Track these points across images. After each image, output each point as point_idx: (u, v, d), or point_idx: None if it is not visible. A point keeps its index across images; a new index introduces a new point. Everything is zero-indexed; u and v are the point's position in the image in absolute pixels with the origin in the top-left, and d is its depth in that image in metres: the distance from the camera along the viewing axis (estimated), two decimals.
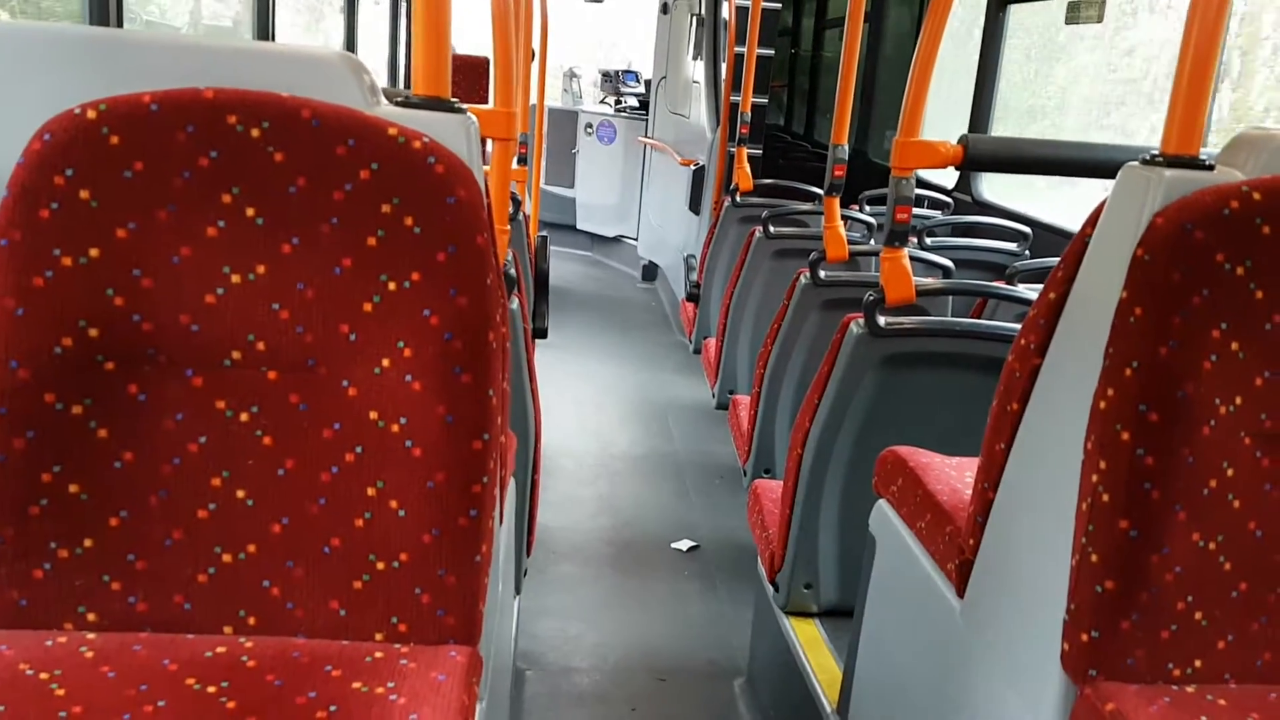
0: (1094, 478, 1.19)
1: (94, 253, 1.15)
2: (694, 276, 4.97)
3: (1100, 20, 3.70)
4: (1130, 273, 1.18)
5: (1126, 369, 1.16)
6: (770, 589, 2.47)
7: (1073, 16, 3.90)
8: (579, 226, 8.55)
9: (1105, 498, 1.18)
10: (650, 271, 7.66)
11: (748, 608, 2.77)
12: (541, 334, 3.81)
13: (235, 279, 1.17)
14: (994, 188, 4.36)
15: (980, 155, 2.08)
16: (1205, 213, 1.16)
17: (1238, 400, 1.18)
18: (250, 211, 1.16)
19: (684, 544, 3.49)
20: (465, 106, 1.33)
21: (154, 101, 1.15)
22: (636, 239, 8.04)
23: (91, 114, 1.14)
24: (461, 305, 1.17)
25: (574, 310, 6.70)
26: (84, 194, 1.14)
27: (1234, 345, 1.17)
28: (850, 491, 2.31)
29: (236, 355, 1.18)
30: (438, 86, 1.28)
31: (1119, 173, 1.28)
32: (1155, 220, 1.18)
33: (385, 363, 1.18)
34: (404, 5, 6.64)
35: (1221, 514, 1.19)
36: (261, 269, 1.17)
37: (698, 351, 4.77)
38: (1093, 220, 1.32)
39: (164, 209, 1.15)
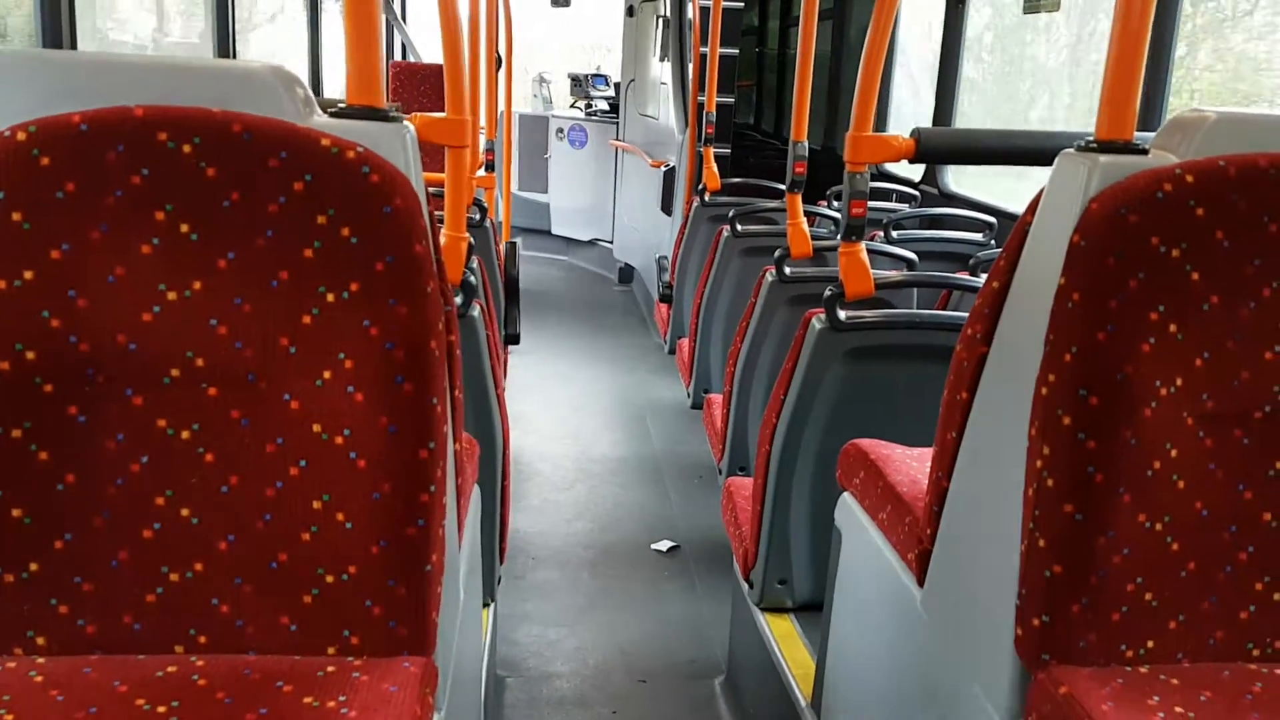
0: (1038, 463, 1.19)
1: (28, 275, 1.14)
2: (666, 277, 4.98)
3: (1057, 9, 3.72)
4: (1068, 258, 1.19)
5: (1066, 354, 1.17)
6: (745, 586, 2.48)
7: (1031, 6, 3.92)
8: (554, 231, 8.56)
9: (1050, 483, 1.18)
10: (626, 274, 7.67)
11: (727, 606, 2.78)
12: (514, 339, 3.80)
13: (171, 296, 1.17)
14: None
15: (933, 148, 2.10)
16: (1139, 197, 1.17)
17: (1178, 381, 1.19)
18: (184, 228, 1.16)
19: (663, 545, 3.49)
20: (414, 115, 1.33)
21: (84, 121, 1.14)
22: (611, 242, 8.05)
23: (21, 136, 1.14)
24: (402, 314, 1.17)
25: (551, 314, 6.70)
26: (16, 216, 1.13)
27: (1172, 327, 1.18)
28: (819, 486, 2.31)
29: (176, 373, 1.18)
30: (371, 95, 1.28)
31: (1056, 160, 1.29)
32: (1091, 205, 1.19)
33: (326, 375, 1.18)
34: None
35: (1166, 495, 1.20)
36: (198, 285, 1.17)
37: (672, 352, 4.78)
38: (1033, 208, 1.33)
39: (97, 229, 1.15)
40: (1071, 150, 1.27)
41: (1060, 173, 1.27)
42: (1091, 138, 1.27)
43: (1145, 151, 1.26)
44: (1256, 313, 1.20)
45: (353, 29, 1.28)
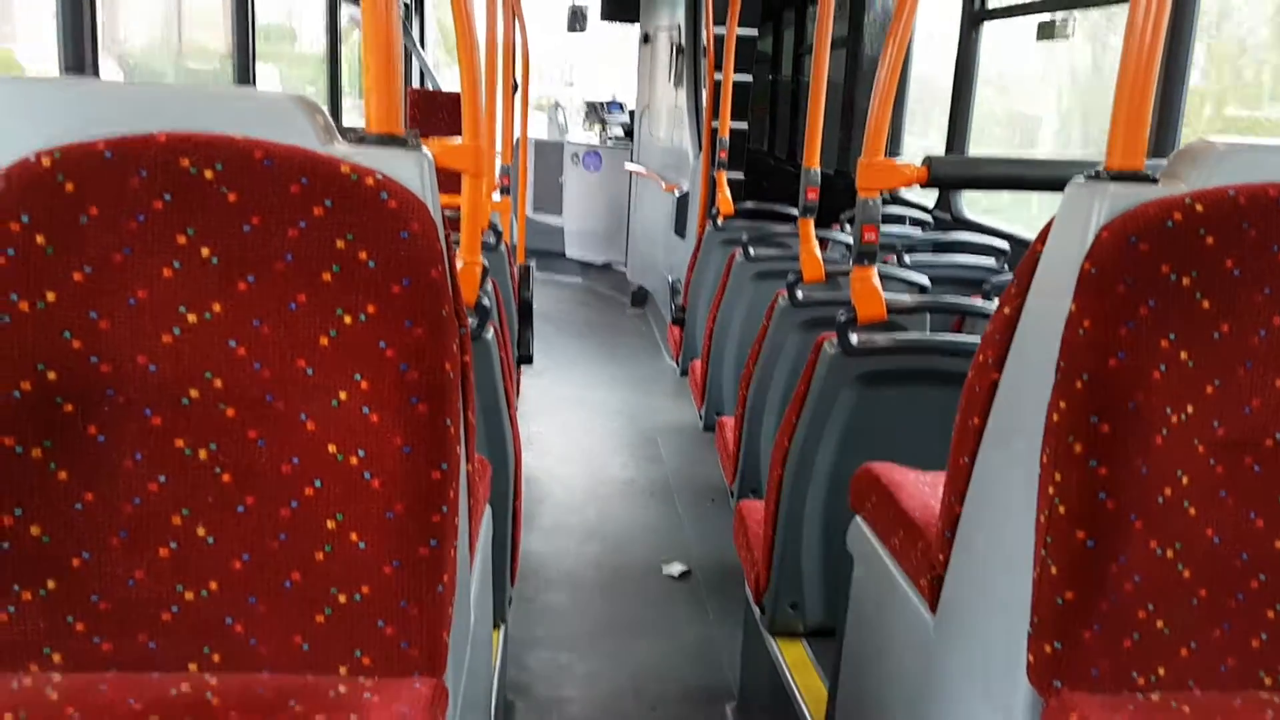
0: (1050, 490, 1.20)
1: (51, 297, 1.16)
2: (679, 300, 5.00)
3: (1069, 37, 3.75)
4: (1078, 286, 1.19)
5: (1077, 381, 1.18)
6: (757, 611, 2.47)
7: (1045, 34, 3.94)
8: (568, 254, 8.61)
9: (1062, 509, 1.18)
10: (640, 297, 7.70)
11: (739, 631, 2.77)
12: (527, 360, 3.82)
13: (191, 318, 1.18)
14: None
15: (943, 174, 2.11)
16: (1149, 225, 1.18)
17: (1189, 409, 1.19)
18: (205, 251, 1.18)
19: (675, 568, 3.48)
20: (422, 142, 1.35)
21: (108, 148, 1.16)
22: (625, 265, 8.08)
23: (46, 161, 1.16)
24: (417, 336, 1.18)
25: (565, 337, 6.72)
26: (40, 240, 1.15)
27: (1183, 355, 1.18)
28: (831, 510, 2.31)
29: (194, 393, 1.19)
30: (390, 123, 1.30)
31: (1066, 188, 1.30)
32: (1101, 234, 1.19)
33: (343, 396, 1.19)
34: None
35: (1178, 522, 1.20)
36: (217, 307, 1.19)
37: (685, 374, 4.79)
38: (1043, 236, 1.34)
39: (119, 252, 1.17)
40: (1081, 179, 1.28)
41: (1071, 201, 1.28)
42: (1102, 166, 1.28)
43: (1155, 180, 1.27)
44: (1267, 340, 1.20)
45: (372, 59, 1.30)
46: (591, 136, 8.91)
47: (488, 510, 1.87)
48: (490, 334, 2.17)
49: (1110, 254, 1.18)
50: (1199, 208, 1.19)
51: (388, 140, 1.29)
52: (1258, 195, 1.19)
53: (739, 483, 3.19)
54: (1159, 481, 1.18)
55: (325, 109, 1.32)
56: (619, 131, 8.64)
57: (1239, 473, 1.22)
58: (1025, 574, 1.25)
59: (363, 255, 1.18)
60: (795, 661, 2.31)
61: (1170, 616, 1.22)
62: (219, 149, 1.17)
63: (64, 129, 1.21)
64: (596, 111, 8.99)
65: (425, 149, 1.32)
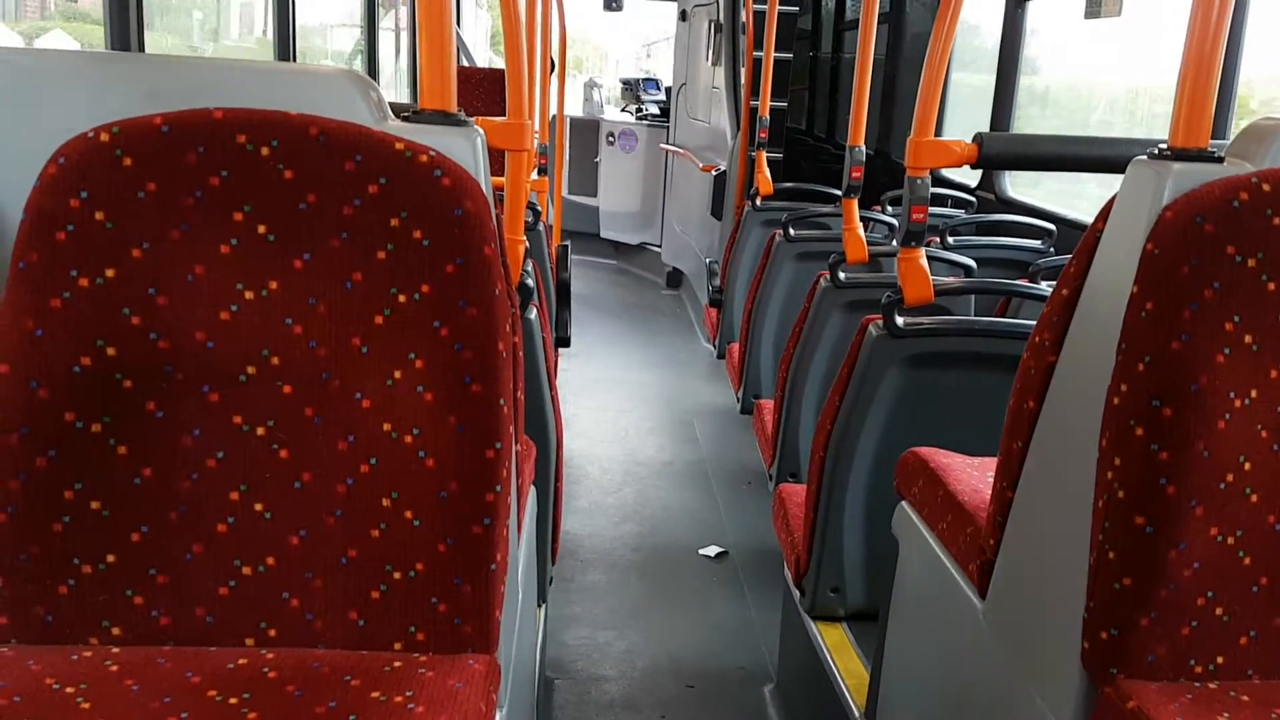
0: (1109, 474, 1.18)
1: (110, 273, 1.17)
2: (716, 282, 4.98)
3: (1119, 14, 3.67)
4: (1141, 267, 1.17)
5: (1139, 364, 1.15)
6: (797, 593, 2.46)
7: (1092, 11, 3.86)
8: (603, 235, 8.60)
9: (1120, 494, 1.16)
10: (675, 278, 7.68)
11: (777, 613, 2.77)
12: (564, 343, 3.83)
13: (248, 295, 1.19)
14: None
15: (995, 153, 2.08)
16: (1215, 205, 1.15)
17: (1253, 393, 1.16)
18: (262, 229, 1.18)
19: (712, 550, 3.48)
20: (474, 119, 1.35)
21: (165, 123, 1.17)
22: (660, 246, 8.06)
23: (104, 137, 1.17)
24: (471, 316, 1.19)
25: (600, 318, 6.73)
26: (99, 216, 1.16)
27: (1247, 338, 1.16)
28: (874, 494, 2.30)
29: (251, 370, 1.20)
30: (443, 100, 1.30)
31: (1128, 167, 1.27)
32: (1164, 214, 1.17)
33: (397, 374, 1.19)
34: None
35: (1239, 508, 1.17)
36: (274, 285, 1.19)
37: (722, 356, 4.78)
38: (1104, 215, 1.31)
39: (177, 228, 1.18)
40: (1144, 157, 1.25)
41: (1133, 180, 1.25)
42: (1164, 145, 1.26)
43: (1220, 160, 1.24)
44: None
45: (425, 36, 1.30)
46: (627, 115, 8.87)
47: (533, 491, 1.87)
48: (533, 314, 2.17)
49: (1174, 234, 1.15)
50: (1265, 187, 1.16)
51: (440, 118, 1.29)
52: None
53: (778, 466, 3.18)
54: (1221, 467, 1.16)
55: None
56: (655, 110, 8.59)
57: None
58: (1080, 559, 1.23)
59: (417, 234, 1.18)
60: (836, 644, 2.31)
61: (1230, 604, 1.20)
62: (275, 125, 1.17)
63: (120, 103, 1.22)
64: (632, 89, 8.95)
65: (477, 127, 1.32)
